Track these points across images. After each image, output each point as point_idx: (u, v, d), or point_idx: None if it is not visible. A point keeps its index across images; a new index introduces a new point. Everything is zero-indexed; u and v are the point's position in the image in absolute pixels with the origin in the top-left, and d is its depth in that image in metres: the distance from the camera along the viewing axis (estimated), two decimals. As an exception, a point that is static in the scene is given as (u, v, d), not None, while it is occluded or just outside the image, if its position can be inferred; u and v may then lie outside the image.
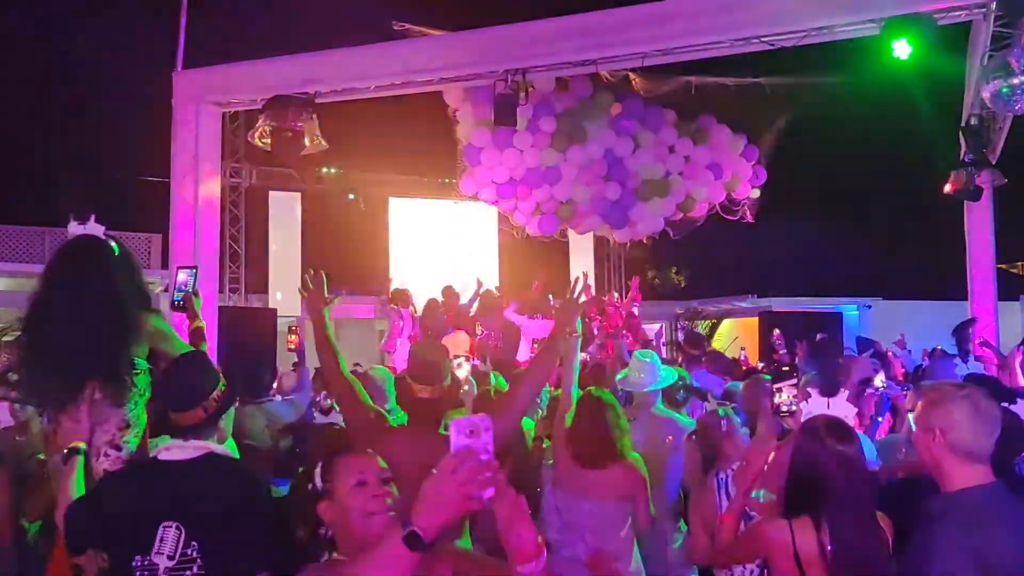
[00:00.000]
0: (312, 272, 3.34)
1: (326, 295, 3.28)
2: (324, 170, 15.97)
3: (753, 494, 3.06)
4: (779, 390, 3.60)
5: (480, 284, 12.14)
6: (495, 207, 16.15)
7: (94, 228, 3.26)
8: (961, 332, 7.19)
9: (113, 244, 3.28)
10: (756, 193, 11.74)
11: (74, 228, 3.26)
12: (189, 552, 2.37)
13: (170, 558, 2.36)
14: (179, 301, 3.85)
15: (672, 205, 10.96)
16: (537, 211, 11.06)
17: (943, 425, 2.30)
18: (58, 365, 3.02)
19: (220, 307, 8.83)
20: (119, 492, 2.55)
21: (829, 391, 4.78)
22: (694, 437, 3.82)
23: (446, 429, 2.67)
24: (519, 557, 1.53)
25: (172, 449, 2.56)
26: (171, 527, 2.38)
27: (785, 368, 3.64)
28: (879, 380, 5.04)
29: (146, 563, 2.36)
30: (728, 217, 11.93)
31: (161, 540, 2.37)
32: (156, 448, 2.65)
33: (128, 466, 2.93)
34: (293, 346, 6.75)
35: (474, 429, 1.49)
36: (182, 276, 3.90)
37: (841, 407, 3.67)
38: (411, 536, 1.48)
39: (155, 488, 2.49)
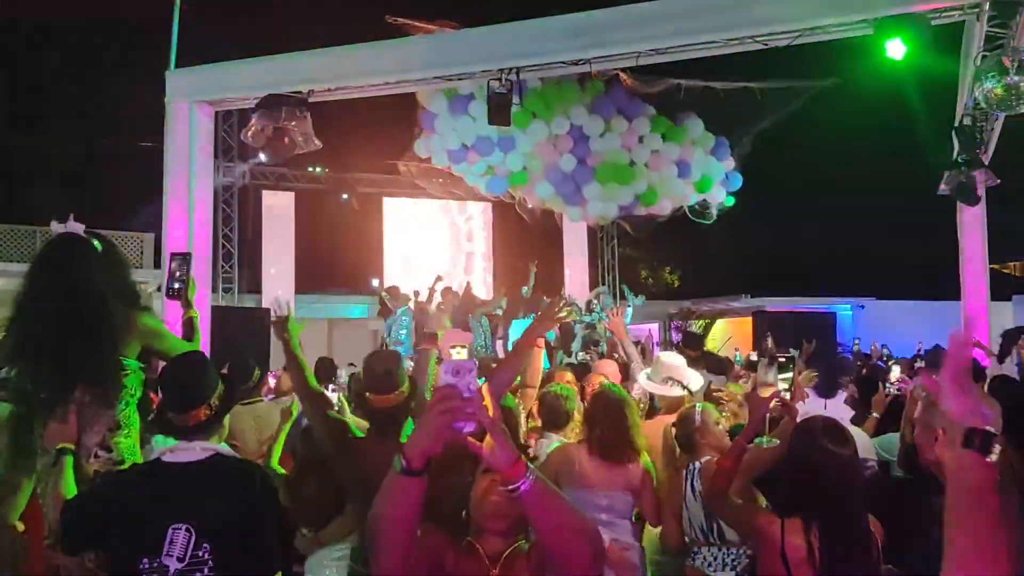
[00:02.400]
0: (277, 301, 3.75)
1: (293, 320, 3.62)
2: (314, 169, 15.90)
3: (756, 440, 3.14)
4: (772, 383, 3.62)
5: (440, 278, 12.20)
6: (486, 205, 16.18)
7: (74, 227, 3.23)
8: (1011, 336, 7.10)
9: (96, 242, 3.24)
10: (731, 201, 11.67)
11: (55, 228, 3.23)
12: (200, 554, 2.35)
13: (180, 560, 2.34)
14: (173, 289, 3.83)
15: (631, 194, 10.90)
16: (488, 172, 11.03)
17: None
18: (46, 368, 2.99)
19: (213, 307, 8.79)
20: (122, 494, 2.52)
21: (826, 392, 4.80)
22: (673, 430, 3.88)
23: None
24: (502, 476, 1.70)
25: (177, 451, 2.53)
26: (180, 529, 2.36)
27: (782, 359, 3.65)
28: (895, 375, 5.03)
29: (155, 565, 2.34)
30: (698, 220, 11.86)
31: (171, 542, 2.35)
32: (159, 449, 2.62)
33: (131, 468, 2.91)
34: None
35: (459, 370, 1.64)
36: (174, 264, 3.89)
37: (838, 408, 3.68)
38: (395, 458, 1.70)
39: (162, 490, 2.46)
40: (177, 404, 2.57)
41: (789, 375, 3.97)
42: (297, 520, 3.92)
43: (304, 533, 3.94)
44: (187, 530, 2.36)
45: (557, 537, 1.73)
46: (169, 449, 2.54)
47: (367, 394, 3.17)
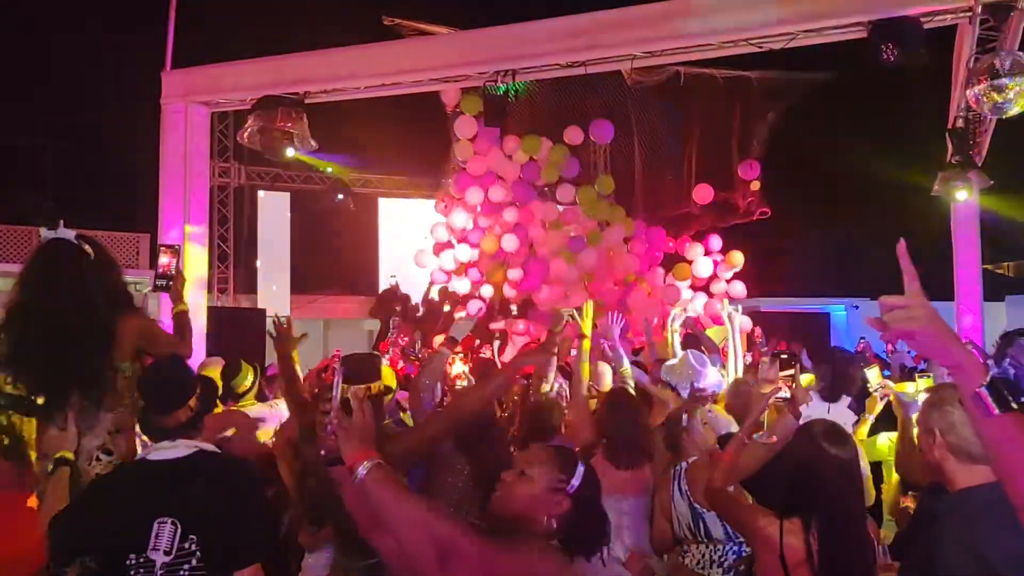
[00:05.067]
0: (278, 317, 3.86)
1: (294, 336, 3.81)
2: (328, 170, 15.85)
3: (755, 436, 3.17)
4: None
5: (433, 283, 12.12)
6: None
7: (65, 233, 3.23)
8: (1008, 338, 7.08)
9: (87, 247, 3.25)
10: (756, 185, 11.74)
11: (45, 234, 3.23)
12: (187, 546, 2.38)
13: (167, 553, 2.37)
14: (162, 283, 3.81)
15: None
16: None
17: (942, 426, 2.29)
18: (42, 375, 3.00)
19: (208, 307, 8.80)
20: (108, 494, 2.56)
21: (831, 397, 4.80)
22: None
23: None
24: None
25: (161, 450, 2.57)
26: (167, 523, 2.39)
27: (784, 356, 3.63)
28: (875, 378, 5.01)
29: (141, 560, 2.37)
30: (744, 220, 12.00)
31: (157, 536, 2.38)
32: (144, 449, 2.66)
33: (117, 468, 2.93)
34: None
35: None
36: (164, 259, 3.86)
37: (841, 414, 3.70)
38: None
39: (147, 487, 2.50)
40: (158, 407, 2.62)
41: (789, 372, 3.97)
42: (301, 517, 3.96)
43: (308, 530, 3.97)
44: (173, 523, 2.39)
45: (396, 529, 1.86)
46: (154, 448, 2.59)
47: (342, 385, 3.28)
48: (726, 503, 3.01)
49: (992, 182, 8.61)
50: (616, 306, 9.32)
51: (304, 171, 17.07)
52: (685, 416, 3.78)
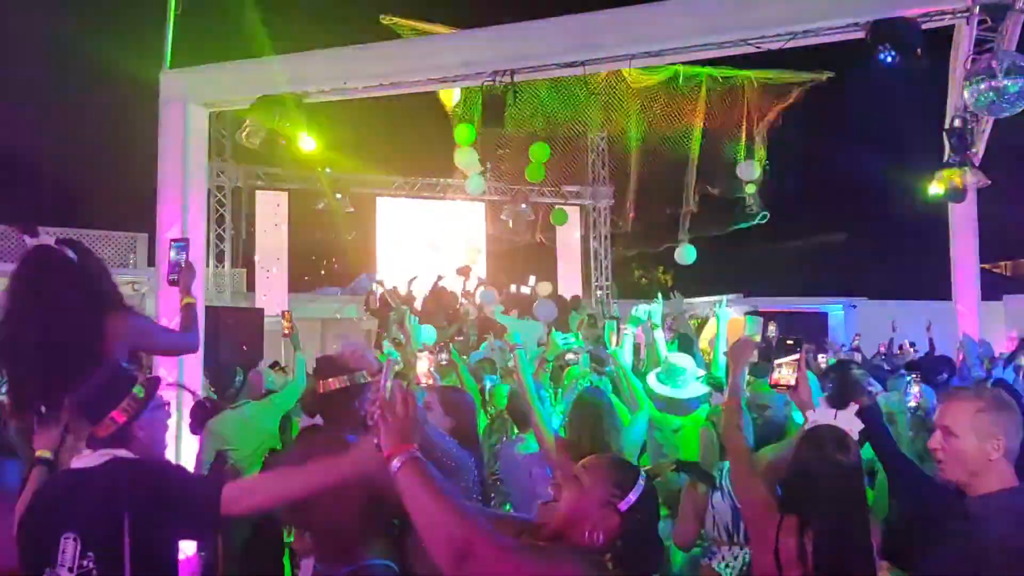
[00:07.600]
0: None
1: None
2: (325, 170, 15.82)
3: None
4: (779, 366, 3.56)
5: (440, 278, 12.13)
6: (479, 205, 16.06)
7: (45, 240, 3.24)
8: None
9: (69, 252, 3.25)
10: (752, 188, 11.81)
11: (29, 242, 3.24)
12: (85, 564, 2.33)
13: (70, 570, 2.33)
14: (173, 277, 3.83)
15: None
16: None
17: (998, 430, 2.34)
18: (34, 381, 3.01)
19: (206, 307, 8.79)
20: (40, 503, 2.54)
21: (839, 404, 4.78)
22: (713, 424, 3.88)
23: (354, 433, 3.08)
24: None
25: (82, 458, 2.52)
26: (70, 538, 2.35)
27: (790, 342, 3.55)
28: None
29: (53, 575, 2.35)
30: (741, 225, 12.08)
31: (63, 552, 2.34)
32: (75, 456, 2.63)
33: (51, 476, 2.87)
34: (287, 332, 6.40)
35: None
36: (173, 253, 3.88)
37: (848, 421, 3.68)
38: None
39: (60, 498, 2.47)
40: (88, 416, 2.53)
41: (794, 357, 3.91)
42: (296, 523, 3.95)
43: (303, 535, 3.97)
44: (74, 539, 2.34)
45: (418, 524, 1.86)
46: (78, 456, 2.54)
47: (317, 379, 3.24)
48: (748, 481, 2.97)
49: (989, 181, 8.63)
50: None
51: (302, 171, 17.05)
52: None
